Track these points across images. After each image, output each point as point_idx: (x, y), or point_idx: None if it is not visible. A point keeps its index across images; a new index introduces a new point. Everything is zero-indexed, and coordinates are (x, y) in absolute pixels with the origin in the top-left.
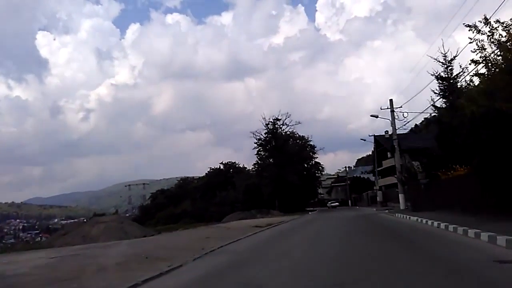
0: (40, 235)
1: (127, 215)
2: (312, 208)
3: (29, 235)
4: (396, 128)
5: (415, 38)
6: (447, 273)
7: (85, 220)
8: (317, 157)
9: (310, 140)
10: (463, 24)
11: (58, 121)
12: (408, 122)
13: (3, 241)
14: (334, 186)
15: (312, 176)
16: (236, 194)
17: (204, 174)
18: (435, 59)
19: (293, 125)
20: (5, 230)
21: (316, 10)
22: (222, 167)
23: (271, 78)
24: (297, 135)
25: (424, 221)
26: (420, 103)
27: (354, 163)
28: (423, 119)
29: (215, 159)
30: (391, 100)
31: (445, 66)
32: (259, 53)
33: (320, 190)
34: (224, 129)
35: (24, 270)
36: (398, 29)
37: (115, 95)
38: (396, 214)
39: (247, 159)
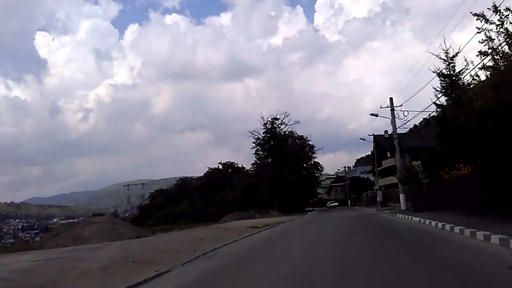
0: (40, 235)
1: (126, 215)
2: (311, 208)
3: (28, 235)
4: (397, 127)
5: (413, 39)
6: (457, 280)
7: (76, 221)
8: (316, 157)
9: (309, 140)
10: (470, 12)
11: (57, 121)
12: (409, 120)
13: (3, 241)
14: (334, 186)
15: (311, 176)
16: (234, 194)
17: (203, 174)
18: (437, 55)
19: (291, 124)
20: (5, 230)
21: (315, 11)
22: (221, 167)
23: (270, 78)
24: (296, 134)
25: (427, 222)
26: (419, 103)
27: (353, 163)
28: (422, 119)
29: (214, 159)
30: (391, 99)
31: (447, 63)
32: (258, 53)
33: (319, 190)
34: (223, 129)
35: (1, 275)
36: (396, 30)
37: (114, 95)
38: (397, 215)
39: (246, 159)
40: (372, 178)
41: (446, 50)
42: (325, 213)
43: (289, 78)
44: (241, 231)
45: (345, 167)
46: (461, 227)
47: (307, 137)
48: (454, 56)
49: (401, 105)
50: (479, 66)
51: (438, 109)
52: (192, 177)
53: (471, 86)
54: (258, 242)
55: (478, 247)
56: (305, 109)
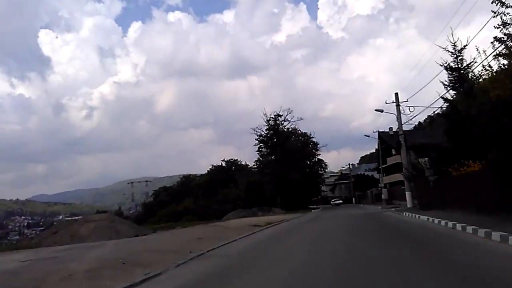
0: (45, 232)
1: (131, 212)
2: (315, 206)
3: (33, 231)
4: (402, 123)
5: (417, 36)
6: None
7: (75, 219)
8: (319, 154)
9: (313, 137)
10: None
11: (61, 119)
12: (415, 116)
13: (8, 238)
14: (338, 183)
15: (315, 173)
16: (238, 191)
17: (206, 171)
18: (444, 48)
19: (295, 121)
20: (10, 226)
21: (318, 8)
22: (224, 164)
23: (273, 76)
24: (299, 131)
25: (436, 221)
26: (423, 101)
27: (357, 161)
28: (426, 117)
29: (218, 157)
30: (396, 94)
31: (455, 56)
32: (261, 51)
33: (323, 188)
34: (227, 127)
35: None
36: (400, 27)
37: (118, 93)
38: (404, 213)
39: (250, 157)
40: (376, 175)
41: (454, 43)
42: (329, 211)
43: (292, 76)
44: (242, 229)
45: (349, 164)
46: (474, 226)
47: (310, 134)
48: (462, 49)
49: (407, 101)
50: (493, 54)
51: (446, 104)
52: (195, 174)
53: (483, 77)
54: (258, 242)
55: (496, 250)
56: (308, 106)
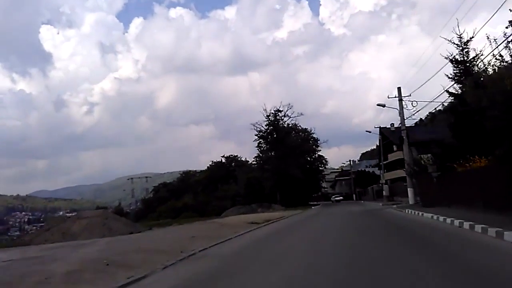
0: (38, 229)
1: (131, 208)
2: (315, 202)
3: (34, 227)
4: (405, 118)
5: (419, 32)
6: None
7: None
8: (320, 150)
9: (313, 133)
10: None
11: (62, 115)
12: (418, 111)
13: (9, 234)
14: (338, 180)
15: (315, 169)
16: (237, 187)
17: (206, 167)
18: (450, 40)
19: (295, 116)
20: (11, 222)
21: (320, 4)
22: (224, 160)
23: (274, 72)
24: (299, 127)
25: (441, 218)
26: (425, 98)
27: (358, 157)
28: (428, 113)
29: (218, 153)
30: (399, 88)
31: (460, 48)
32: (263, 47)
33: (323, 184)
34: (228, 123)
35: None
36: (402, 24)
37: (119, 89)
38: (406, 210)
39: (250, 153)
40: (377, 172)
41: (460, 35)
42: (329, 208)
43: (294, 72)
44: (239, 227)
45: (350, 160)
46: (482, 225)
47: (311, 130)
48: (468, 41)
49: (410, 95)
50: (506, 41)
51: (450, 98)
52: (195, 170)
53: (493, 67)
54: (254, 242)
55: (510, 251)
56: (310, 103)
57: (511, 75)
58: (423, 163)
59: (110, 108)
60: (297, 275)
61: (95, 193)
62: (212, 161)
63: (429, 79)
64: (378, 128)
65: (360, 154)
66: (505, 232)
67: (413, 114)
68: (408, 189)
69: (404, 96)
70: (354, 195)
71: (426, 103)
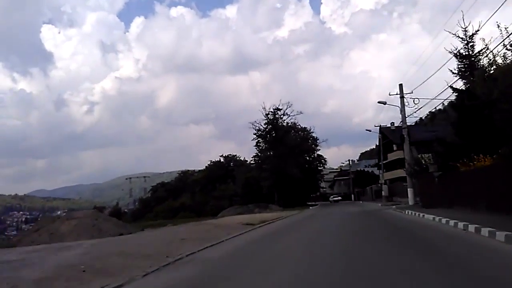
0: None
1: (129, 208)
2: (313, 203)
3: (31, 227)
4: (406, 116)
5: (421, 31)
6: None
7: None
8: (319, 149)
9: (312, 132)
10: None
11: (63, 114)
12: (420, 108)
13: (6, 233)
14: (337, 179)
15: (314, 169)
16: (235, 187)
17: (204, 167)
18: (454, 34)
19: (294, 115)
20: (8, 222)
21: (321, 3)
22: (222, 160)
23: (275, 71)
24: (299, 126)
25: (443, 220)
26: (426, 96)
27: (357, 157)
28: (428, 113)
29: (218, 153)
30: (400, 85)
31: (466, 42)
32: (264, 46)
33: (322, 184)
34: (228, 122)
35: None
36: (403, 22)
37: (119, 88)
38: (406, 211)
39: (250, 153)
40: (376, 172)
41: (465, 28)
42: (328, 208)
43: (294, 71)
44: (233, 228)
45: (349, 160)
46: (490, 228)
47: (310, 129)
48: (473, 35)
49: (411, 92)
50: None
51: (453, 95)
52: (194, 170)
53: (503, 59)
54: (246, 245)
55: None
56: (310, 102)
57: None
58: (423, 162)
59: (111, 108)
60: (291, 284)
61: (94, 193)
62: (211, 161)
63: (433, 75)
64: (378, 127)
65: (359, 154)
66: None
67: (415, 112)
68: (408, 189)
69: (406, 93)
70: (352, 195)
71: (428, 100)
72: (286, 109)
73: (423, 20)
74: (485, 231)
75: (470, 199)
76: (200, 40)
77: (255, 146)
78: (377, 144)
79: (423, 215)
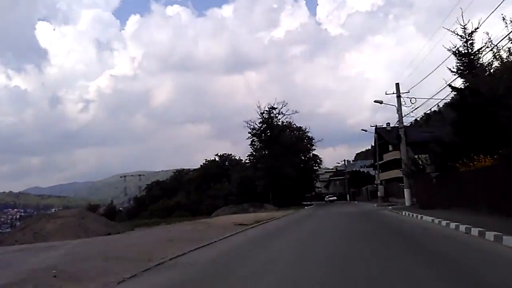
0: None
1: (125, 206)
2: (308, 202)
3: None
4: (403, 116)
5: (416, 33)
6: None
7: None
8: (315, 149)
9: (308, 131)
10: None
11: (58, 112)
12: (417, 108)
13: (0, 230)
14: (332, 179)
15: (309, 169)
16: (230, 187)
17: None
18: (453, 31)
19: (289, 114)
20: (2, 219)
21: (317, 4)
22: (217, 159)
23: (271, 71)
24: (294, 126)
25: (443, 222)
26: (423, 96)
27: (353, 158)
28: (423, 114)
29: (214, 152)
30: (397, 85)
31: (465, 39)
32: (260, 46)
33: (317, 184)
34: (224, 122)
35: None
36: (399, 24)
37: (115, 86)
38: (404, 212)
39: (245, 152)
40: (372, 172)
41: (464, 25)
42: (323, 208)
43: (290, 72)
44: (225, 229)
45: (344, 160)
46: (495, 232)
47: (305, 129)
48: (473, 32)
49: (408, 92)
50: None
51: (453, 92)
52: (189, 169)
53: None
54: (235, 248)
55: None
56: (306, 102)
57: None
58: (420, 163)
59: (106, 106)
60: None
61: (89, 191)
62: (206, 160)
63: (430, 73)
64: (374, 127)
65: (355, 155)
66: None
67: (412, 111)
68: (405, 190)
69: (402, 93)
70: (348, 196)
71: (425, 100)
72: (281, 108)
73: (418, 22)
74: (490, 235)
75: (471, 200)
76: (196, 39)
77: (250, 145)
78: (373, 144)
79: (421, 217)
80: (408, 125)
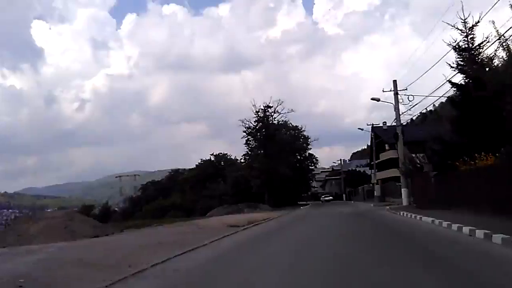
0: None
1: (120, 206)
2: (304, 202)
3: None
4: (400, 114)
5: (412, 33)
6: None
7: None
8: (310, 148)
9: (304, 130)
10: None
11: (53, 111)
12: (415, 105)
13: None
14: (328, 179)
15: (305, 168)
16: (226, 186)
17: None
18: (453, 26)
19: (285, 113)
20: None
21: (314, 4)
22: (213, 159)
23: (268, 71)
24: (290, 125)
25: (444, 224)
26: (418, 97)
27: (349, 157)
28: (419, 113)
29: (210, 152)
30: (394, 81)
31: (465, 34)
32: (256, 45)
33: (313, 183)
34: (220, 121)
35: None
36: (395, 24)
37: (111, 85)
38: (402, 213)
39: (241, 152)
40: (368, 171)
41: (465, 19)
42: (319, 209)
43: (287, 71)
44: (216, 230)
45: (340, 160)
46: (503, 235)
47: (301, 127)
48: (473, 26)
49: (406, 89)
50: None
51: (446, 95)
52: (184, 169)
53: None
54: (226, 252)
55: None
56: (302, 102)
57: None
58: (418, 161)
59: (102, 105)
60: None
61: (84, 191)
62: (202, 159)
63: (429, 70)
64: (371, 126)
65: (351, 154)
66: None
67: (410, 109)
68: (402, 189)
69: (400, 90)
70: (344, 195)
71: (423, 97)
72: (276, 107)
73: (415, 22)
74: (497, 238)
75: (472, 200)
76: (192, 38)
77: (245, 144)
78: (369, 144)
79: (420, 217)
80: (404, 123)
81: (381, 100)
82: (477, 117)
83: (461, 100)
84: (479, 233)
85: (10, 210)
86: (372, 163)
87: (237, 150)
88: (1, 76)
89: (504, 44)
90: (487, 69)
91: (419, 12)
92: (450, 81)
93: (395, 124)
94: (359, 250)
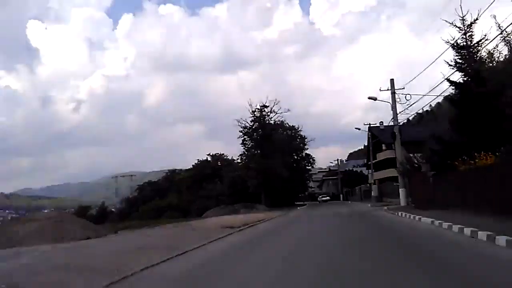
0: None
1: (117, 206)
2: (301, 203)
3: None
4: (397, 113)
5: (408, 33)
6: None
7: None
8: (307, 148)
9: (300, 130)
10: None
11: (49, 112)
12: (412, 104)
13: None
14: (325, 179)
15: (302, 168)
16: (222, 187)
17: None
18: (451, 23)
19: (282, 112)
20: None
21: (311, 4)
22: (210, 159)
23: (264, 71)
24: (286, 125)
25: (444, 225)
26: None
27: (346, 158)
28: (415, 113)
29: (206, 152)
30: (392, 80)
31: (463, 31)
32: (253, 46)
33: (310, 184)
34: (217, 122)
35: None
36: (392, 24)
37: (107, 86)
38: (400, 213)
39: (238, 152)
40: (365, 171)
41: (463, 17)
42: (316, 209)
43: (283, 71)
44: (210, 233)
45: (337, 160)
46: (507, 237)
47: (298, 127)
48: (472, 24)
49: (403, 88)
50: None
51: (444, 94)
52: (181, 169)
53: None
54: (218, 255)
55: None
56: (299, 102)
57: None
58: (416, 161)
59: (98, 106)
60: None
61: (81, 192)
62: (198, 160)
63: (426, 68)
64: (368, 126)
65: (348, 154)
66: None
67: (407, 108)
68: (400, 189)
69: (397, 89)
70: (341, 195)
71: (420, 96)
72: (273, 107)
73: (411, 22)
74: (501, 240)
75: (472, 200)
76: (189, 39)
77: (241, 144)
78: (366, 144)
79: (420, 218)
80: (400, 123)
81: (378, 99)
82: (476, 115)
83: (460, 99)
84: (482, 235)
85: (6, 211)
86: (369, 163)
87: (233, 150)
88: None
89: (506, 38)
90: (486, 66)
91: (415, 12)
92: (448, 80)
93: (391, 124)
94: (359, 257)
